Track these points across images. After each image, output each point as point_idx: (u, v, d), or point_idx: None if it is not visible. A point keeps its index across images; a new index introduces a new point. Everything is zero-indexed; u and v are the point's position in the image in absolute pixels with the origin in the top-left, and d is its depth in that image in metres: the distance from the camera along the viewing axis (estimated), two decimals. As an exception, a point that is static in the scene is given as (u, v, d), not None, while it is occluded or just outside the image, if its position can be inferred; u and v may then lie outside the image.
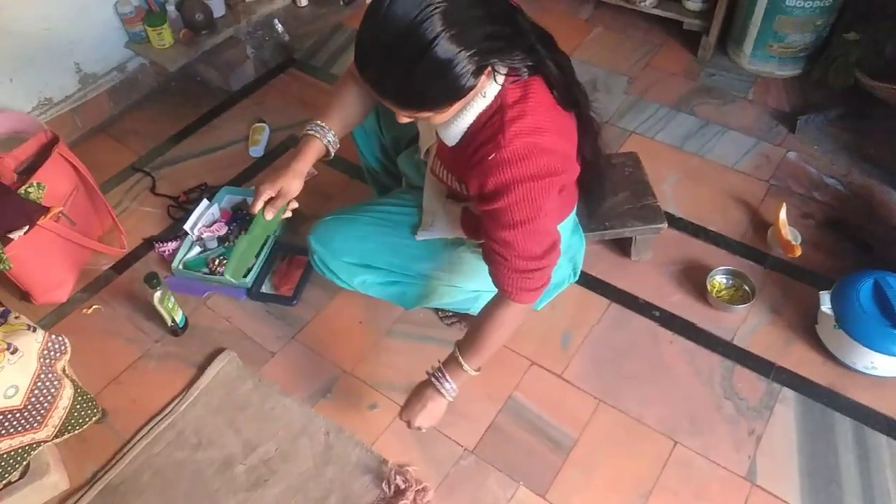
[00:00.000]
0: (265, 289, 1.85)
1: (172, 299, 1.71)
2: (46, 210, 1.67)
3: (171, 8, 2.29)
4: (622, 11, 2.47)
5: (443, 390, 1.30)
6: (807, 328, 1.66)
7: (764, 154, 2.07)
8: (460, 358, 1.28)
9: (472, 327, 1.28)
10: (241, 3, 2.43)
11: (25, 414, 1.32)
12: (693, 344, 1.67)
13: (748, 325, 1.69)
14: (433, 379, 1.31)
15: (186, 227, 1.89)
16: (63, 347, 1.38)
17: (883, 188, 1.94)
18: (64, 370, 1.40)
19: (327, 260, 1.50)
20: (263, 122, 2.29)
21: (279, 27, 2.53)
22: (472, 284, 1.53)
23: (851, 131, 2.10)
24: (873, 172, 1.98)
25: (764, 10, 2.15)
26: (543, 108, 1.13)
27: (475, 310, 1.62)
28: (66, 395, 1.38)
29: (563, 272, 1.68)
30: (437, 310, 1.74)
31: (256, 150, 2.21)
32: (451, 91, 1.03)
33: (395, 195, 1.59)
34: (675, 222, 1.90)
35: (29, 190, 1.66)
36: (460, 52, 0.97)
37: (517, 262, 1.17)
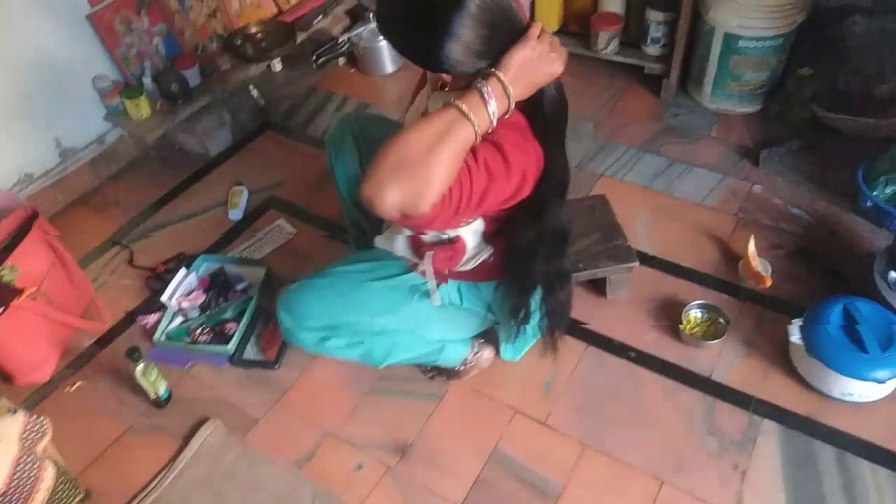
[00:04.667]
0: (248, 354, 1.86)
1: (155, 372, 1.71)
2: (20, 291, 1.67)
3: (147, 80, 2.34)
4: (585, 60, 2.55)
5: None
6: (782, 358, 1.69)
7: (730, 189, 2.12)
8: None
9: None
10: (216, 71, 2.50)
11: (7, 499, 1.31)
12: (673, 382, 1.68)
13: (725, 360, 1.71)
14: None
15: (163, 298, 1.91)
16: (43, 429, 1.38)
17: (846, 215, 1.99)
18: (45, 451, 1.40)
19: (293, 328, 1.52)
20: (242, 185, 2.33)
21: (255, 93, 2.60)
22: (433, 333, 1.55)
23: (812, 162, 2.16)
24: (836, 200, 2.04)
25: (719, 52, 2.23)
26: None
27: (444, 361, 1.64)
28: (48, 476, 1.37)
29: (540, 322, 1.70)
30: (417, 364, 1.76)
31: (235, 214, 2.24)
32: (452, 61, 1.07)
33: (360, 254, 1.63)
34: (649, 260, 1.94)
35: (1, 273, 1.68)
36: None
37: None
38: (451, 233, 1.35)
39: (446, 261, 1.40)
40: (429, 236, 1.38)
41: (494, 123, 1.08)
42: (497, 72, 1.07)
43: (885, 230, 1.90)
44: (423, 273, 1.45)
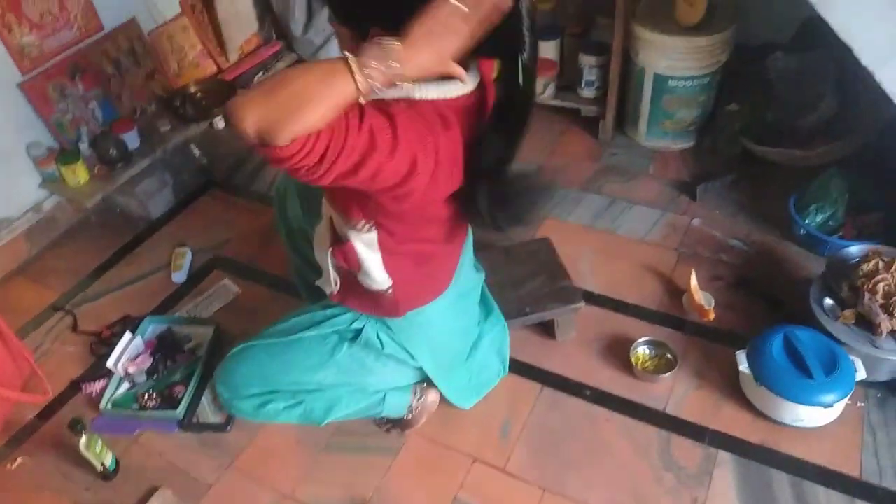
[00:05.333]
0: (204, 415, 1.81)
1: (100, 443, 1.65)
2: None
3: (83, 145, 2.31)
4: (524, 105, 2.61)
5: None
6: (733, 388, 1.71)
7: (670, 224, 2.18)
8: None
9: None
10: (156, 132, 2.48)
11: None
12: (628, 419, 1.69)
13: (677, 393, 1.73)
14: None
15: (109, 364, 1.85)
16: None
17: (782, 243, 2.06)
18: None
19: (231, 399, 1.52)
20: (185, 245, 2.29)
21: (196, 152, 2.58)
22: (370, 383, 1.54)
23: (747, 193, 2.24)
24: (771, 229, 2.11)
25: (651, 92, 2.32)
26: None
27: (388, 412, 1.63)
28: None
29: (492, 368, 1.71)
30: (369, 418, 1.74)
31: (179, 276, 2.20)
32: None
33: (292, 312, 1.61)
34: (595, 299, 1.96)
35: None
36: None
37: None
38: (343, 234, 1.31)
39: (342, 256, 1.34)
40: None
41: (378, 88, 0.98)
42: (387, 40, 0.97)
43: (819, 257, 1.97)
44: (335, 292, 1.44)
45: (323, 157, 1.00)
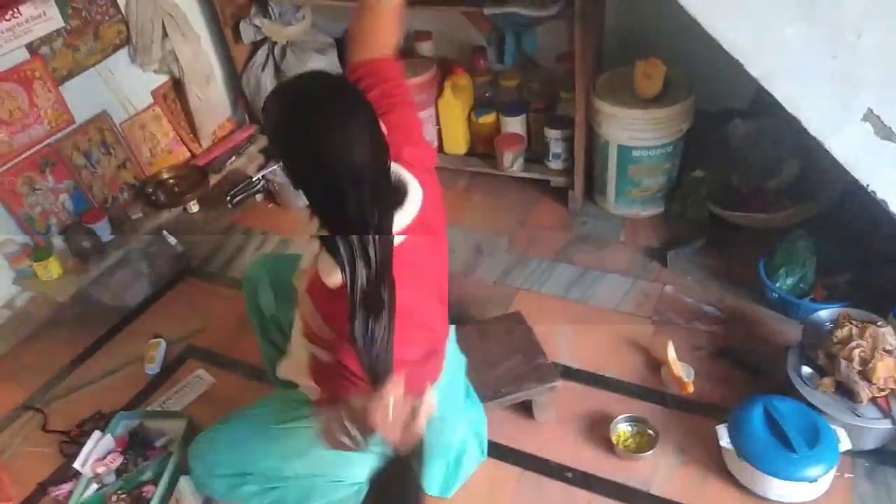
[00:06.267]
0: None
1: (64, 552, 1.59)
2: None
3: (56, 240, 2.31)
4: (494, 178, 2.65)
5: None
6: (717, 463, 1.68)
7: (643, 291, 2.18)
8: None
9: None
10: (127, 221, 2.48)
11: None
12: (612, 501, 1.65)
13: (661, 471, 1.69)
14: None
15: (76, 465, 1.80)
16: None
17: (755, 307, 2.07)
18: None
19: (203, 476, 1.49)
20: (159, 337, 2.26)
21: (171, 239, 2.58)
22: (348, 475, 1.50)
23: (717, 257, 2.25)
24: (744, 294, 2.11)
25: (616, 162, 2.36)
26: None
27: None
28: None
29: (471, 452, 1.67)
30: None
31: (152, 368, 2.16)
32: None
33: (271, 395, 1.59)
34: (574, 375, 1.94)
35: None
36: None
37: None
38: None
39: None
40: None
41: None
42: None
43: (793, 319, 1.97)
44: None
45: None
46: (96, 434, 1.89)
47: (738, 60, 1.57)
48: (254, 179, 2.74)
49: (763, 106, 2.34)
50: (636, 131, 2.26)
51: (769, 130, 2.28)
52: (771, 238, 2.11)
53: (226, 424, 1.54)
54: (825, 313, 1.81)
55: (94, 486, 1.83)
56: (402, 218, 1.17)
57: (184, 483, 1.79)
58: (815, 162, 2.18)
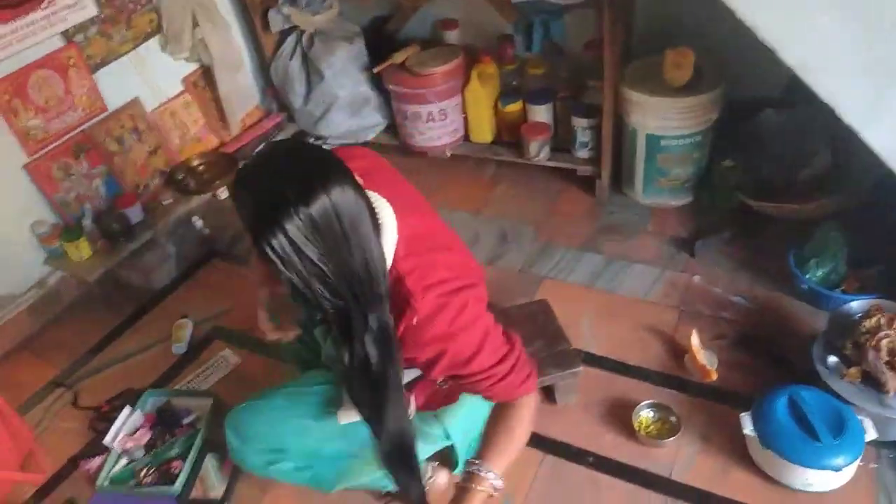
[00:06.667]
0: (211, 483, 1.79)
1: (95, 523, 1.63)
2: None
3: (87, 222, 2.35)
4: (520, 167, 2.64)
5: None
6: (740, 452, 1.66)
7: (670, 282, 2.16)
8: (481, 466, 1.26)
9: (489, 442, 1.29)
10: (159, 206, 2.52)
11: None
12: (633, 486, 1.65)
13: (683, 458, 1.68)
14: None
15: (106, 441, 1.84)
16: None
17: (784, 299, 2.04)
18: None
19: (240, 450, 1.48)
20: (186, 317, 2.30)
21: (198, 223, 2.62)
22: None
23: (746, 249, 2.22)
24: (773, 285, 2.08)
25: (645, 151, 2.34)
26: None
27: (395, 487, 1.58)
28: None
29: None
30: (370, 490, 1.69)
31: (179, 348, 2.20)
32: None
33: (309, 374, 1.59)
34: (597, 361, 1.93)
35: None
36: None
37: (497, 373, 1.21)
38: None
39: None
40: None
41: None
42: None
43: (823, 311, 1.94)
44: None
45: None
46: (126, 410, 1.93)
47: (771, 49, 1.54)
48: (281, 167, 2.76)
49: (795, 95, 2.31)
50: (665, 120, 2.24)
51: (801, 120, 2.24)
52: (801, 230, 2.08)
53: (264, 400, 1.52)
54: (856, 304, 1.78)
55: (124, 461, 1.87)
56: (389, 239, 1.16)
57: (208, 462, 1.83)
58: (848, 153, 2.14)
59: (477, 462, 1.27)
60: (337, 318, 1.13)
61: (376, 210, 1.13)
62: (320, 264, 1.04)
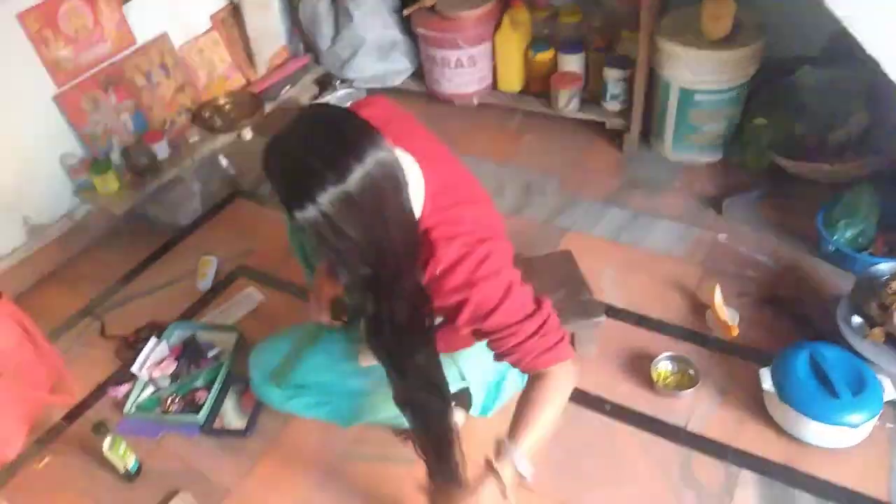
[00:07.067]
0: (229, 419, 1.83)
1: (123, 445, 1.68)
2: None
3: (115, 155, 2.37)
4: (548, 118, 2.61)
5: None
6: (756, 406, 1.68)
7: (695, 238, 2.15)
8: (510, 444, 1.19)
9: (516, 416, 1.23)
10: (185, 143, 2.53)
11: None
12: (649, 434, 1.67)
13: (699, 410, 1.70)
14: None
15: (134, 369, 1.89)
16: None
17: (810, 259, 2.02)
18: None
19: (261, 385, 1.53)
20: (211, 254, 2.33)
21: (224, 162, 2.62)
22: None
23: (775, 208, 2.20)
24: (799, 245, 2.07)
25: (677, 106, 2.30)
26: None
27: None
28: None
29: (511, 380, 1.69)
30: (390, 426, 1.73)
31: (204, 284, 2.23)
32: None
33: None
34: (617, 313, 1.94)
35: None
36: None
37: (523, 330, 1.16)
38: None
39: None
40: None
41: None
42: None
43: (848, 273, 1.93)
44: None
45: None
46: (153, 340, 1.98)
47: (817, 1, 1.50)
48: (307, 109, 2.75)
49: (834, 55, 2.26)
50: (700, 74, 2.20)
51: (840, 80, 2.19)
52: (831, 191, 2.05)
53: (286, 337, 1.56)
54: (885, 266, 1.77)
55: (150, 389, 1.92)
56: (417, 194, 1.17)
57: (229, 397, 1.87)
58: (884, 114, 2.10)
59: (506, 441, 1.21)
60: (368, 280, 1.15)
61: (403, 170, 1.12)
62: (355, 236, 1.06)
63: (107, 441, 1.64)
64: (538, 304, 1.20)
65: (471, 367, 1.51)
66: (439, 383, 1.29)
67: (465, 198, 1.25)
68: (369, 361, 1.45)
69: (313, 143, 1.04)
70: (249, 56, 2.81)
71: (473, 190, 1.31)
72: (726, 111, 2.29)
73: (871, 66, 1.56)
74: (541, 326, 1.18)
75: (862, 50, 1.53)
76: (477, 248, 1.16)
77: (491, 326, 1.17)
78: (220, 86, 2.74)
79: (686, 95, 2.26)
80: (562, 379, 1.21)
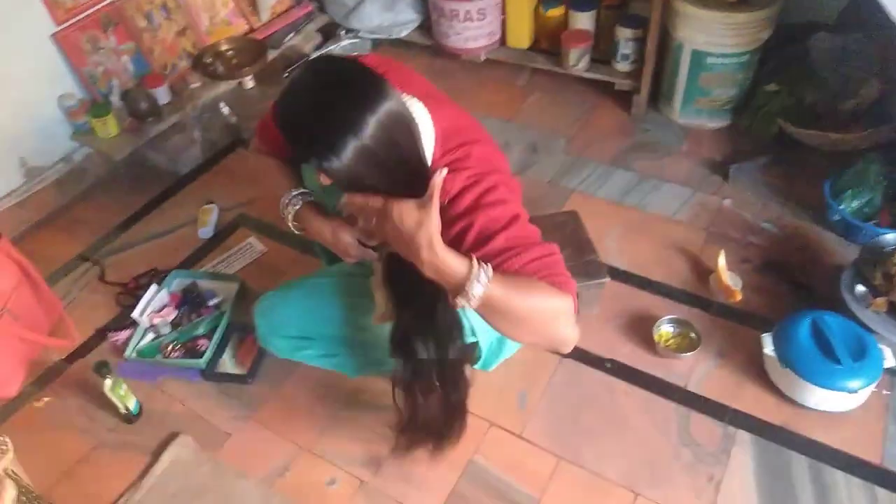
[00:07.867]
0: (226, 368, 1.83)
1: (125, 387, 1.68)
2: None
3: (115, 98, 2.32)
4: (556, 76, 2.58)
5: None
6: (756, 370, 1.70)
7: (701, 203, 2.15)
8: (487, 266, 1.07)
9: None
10: (186, 89, 2.48)
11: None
12: (648, 393, 1.69)
13: (699, 371, 1.72)
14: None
15: (134, 315, 1.88)
16: (4, 447, 1.35)
17: (814, 228, 2.02)
18: (7, 471, 1.36)
19: (268, 335, 1.53)
20: (212, 202, 2.30)
21: (225, 110, 2.58)
22: None
23: (781, 176, 2.19)
24: (804, 214, 2.07)
25: (688, 68, 2.27)
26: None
27: None
28: (9, 497, 1.33)
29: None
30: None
31: (205, 231, 2.21)
32: None
33: (337, 266, 1.61)
34: (620, 275, 1.94)
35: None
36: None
37: (529, 254, 1.12)
38: None
39: None
40: None
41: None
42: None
43: (853, 243, 1.93)
44: None
45: None
46: (153, 287, 1.96)
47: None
48: (310, 58, 2.70)
49: (849, 22, 2.24)
50: (714, 36, 2.17)
51: (854, 48, 2.16)
52: (839, 160, 2.04)
53: (295, 288, 1.55)
54: (890, 237, 1.77)
55: (150, 336, 1.92)
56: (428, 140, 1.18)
57: (226, 356, 1.87)
58: (897, 84, 2.09)
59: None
60: None
61: (415, 118, 1.14)
62: (377, 184, 1.09)
63: (108, 381, 1.64)
64: (546, 243, 1.19)
65: (481, 322, 1.51)
66: (458, 332, 1.31)
67: (471, 139, 1.24)
68: (383, 321, 1.45)
69: (326, 97, 1.05)
70: (252, 2, 2.74)
71: (478, 132, 1.30)
72: (738, 76, 2.27)
73: (886, 34, 1.54)
74: (547, 255, 1.14)
75: (879, 17, 1.51)
76: (483, 179, 1.17)
77: (495, 248, 1.13)
78: (223, 31, 2.68)
79: (698, 58, 2.23)
80: (557, 301, 1.11)
